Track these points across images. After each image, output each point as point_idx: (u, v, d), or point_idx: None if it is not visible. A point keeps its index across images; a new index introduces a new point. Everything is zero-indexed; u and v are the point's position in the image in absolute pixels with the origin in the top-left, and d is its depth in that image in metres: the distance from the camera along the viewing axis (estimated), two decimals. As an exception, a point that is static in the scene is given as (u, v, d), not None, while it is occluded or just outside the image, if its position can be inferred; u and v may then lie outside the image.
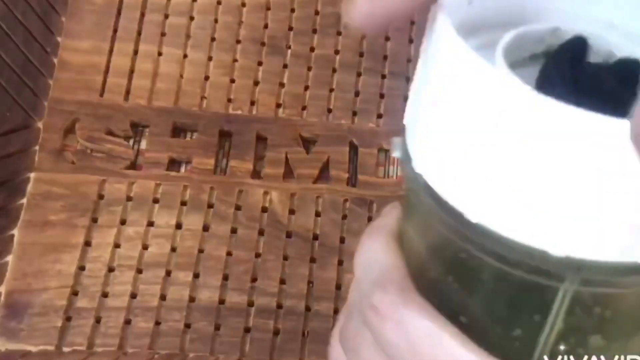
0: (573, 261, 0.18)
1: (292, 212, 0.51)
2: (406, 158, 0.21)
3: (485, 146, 0.18)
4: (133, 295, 0.47)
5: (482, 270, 0.19)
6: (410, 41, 0.57)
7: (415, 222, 0.22)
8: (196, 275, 0.48)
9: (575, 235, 0.18)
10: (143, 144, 0.53)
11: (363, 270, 0.23)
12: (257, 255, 0.49)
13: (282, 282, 0.48)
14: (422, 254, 0.22)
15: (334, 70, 0.56)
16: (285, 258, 0.49)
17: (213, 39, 0.57)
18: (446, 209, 0.19)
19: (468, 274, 0.20)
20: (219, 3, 0.58)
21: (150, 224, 0.50)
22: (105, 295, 0.47)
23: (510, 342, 0.20)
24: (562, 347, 0.21)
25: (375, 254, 0.23)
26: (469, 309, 0.21)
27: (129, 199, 0.50)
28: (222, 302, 0.48)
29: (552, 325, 0.20)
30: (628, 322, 0.20)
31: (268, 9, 0.58)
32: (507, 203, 0.18)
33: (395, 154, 0.21)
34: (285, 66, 0.56)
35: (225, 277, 0.48)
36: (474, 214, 0.18)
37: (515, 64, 0.19)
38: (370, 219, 0.51)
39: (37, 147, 0.52)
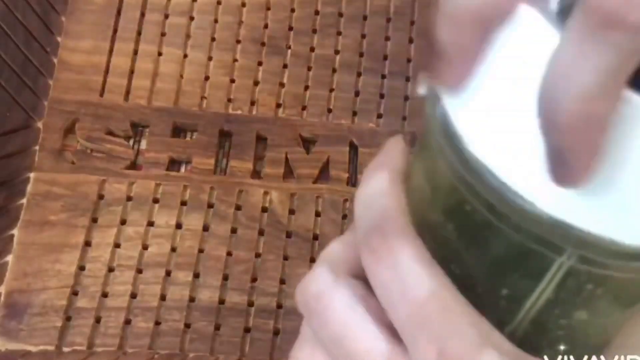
0: (576, 234, 0.18)
1: (292, 212, 0.51)
2: (432, 97, 0.20)
3: (513, 104, 0.18)
4: (133, 295, 0.47)
5: (484, 227, 0.19)
6: (410, 41, 0.57)
7: (426, 166, 0.21)
8: (196, 275, 0.48)
9: (582, 206, 0.17)
10: (143, 144, 0.53)
11: (363, 208, 0.22)
12: (257, 255, 0.49)
13: (282, 282, 0.48)
14: (428, 198, 0.21)
15: (334, 70, 0.56)
16: (285, 258, 0.49)
17: (213, 39, 0.57)
18: (463, 158, 0.19)
19: (469, 227, 0.20)
20: (219, 3, 0.58)
21: (150, 224, 0.50)
22: (105, 295, 0.47)
23: (496, 300, 0.20)
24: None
25: (377, 194, 0.22)
26: (463, 261, 0.20)
27: (129, 199, 0.50)
28: (222, 302, 0.48)
29: (542, 292, 0.20)
30: (617, 302, 0.20)
31: (268, 9, 0.58)
32: (523, 162, 0.18)
33: (421, 90, 0.20)
34: (285, 66, 0.56)
35: (225, 277, 0.48)
36: (488, 163, 0.18)
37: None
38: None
39: (37, 147, 0.52)
